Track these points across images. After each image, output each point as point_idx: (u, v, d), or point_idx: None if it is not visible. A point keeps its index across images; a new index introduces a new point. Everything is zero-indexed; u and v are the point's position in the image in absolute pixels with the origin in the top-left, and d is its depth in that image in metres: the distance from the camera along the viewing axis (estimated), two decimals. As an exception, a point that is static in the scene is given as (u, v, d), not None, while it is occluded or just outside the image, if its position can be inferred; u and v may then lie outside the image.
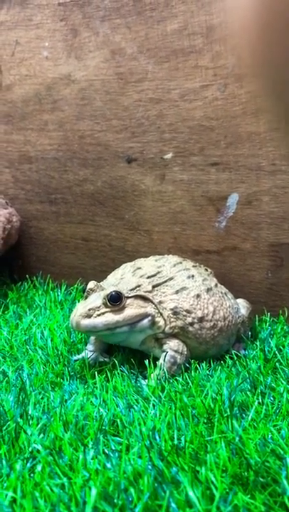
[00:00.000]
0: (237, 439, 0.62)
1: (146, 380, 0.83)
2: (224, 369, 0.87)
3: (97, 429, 0.67)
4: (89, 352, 0.92)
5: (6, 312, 1.16)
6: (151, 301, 0.86)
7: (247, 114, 1.05)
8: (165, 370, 0.84)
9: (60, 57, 1.22)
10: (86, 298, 0.86)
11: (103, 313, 0.83)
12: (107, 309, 0.83)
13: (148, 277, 0.89)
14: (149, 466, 0.58)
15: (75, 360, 0.92)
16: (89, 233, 1.28)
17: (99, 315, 0.83)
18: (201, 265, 1.02)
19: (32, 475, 0.58)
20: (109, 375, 0.85)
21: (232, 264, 1.13)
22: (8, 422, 0.67)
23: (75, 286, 1.28)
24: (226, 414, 0.69)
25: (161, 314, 0.86)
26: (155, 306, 0.86)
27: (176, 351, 0.86)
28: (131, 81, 1.15)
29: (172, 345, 0.86)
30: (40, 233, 1.35)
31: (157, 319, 0.86)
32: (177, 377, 0.83)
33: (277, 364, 0.87)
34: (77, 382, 0.84)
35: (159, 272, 0.91)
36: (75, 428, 0.67)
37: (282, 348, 0.93)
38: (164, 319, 0.86)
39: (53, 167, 1.29)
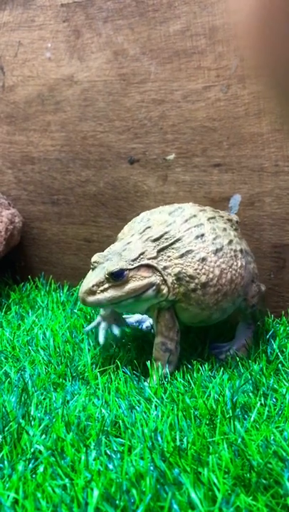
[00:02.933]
0: (239, 440, 0.62)
1: (148, 380, 0.83)
2: (226, 370, 0.87)
3: (99, 430, 0.67)
4: (102, 321, 0.96)
5: (9, 313, 1.16)
6: (156, 269, 0.85)
7: (250, 115, 1.05)
8: (158, 357, 0.85)
9: (63, 58, 1.22)
10: (93, 270, 0.85)
11: (106, 289, 0.82)
12: (110, 284, 0.82)
13: (154, 240, 0.86)
14: (151, 468, 0.57)
15: (86, 331, 0.97)
16: (91, 234, 1.28)
17: (102, 291, 0.82)
18: (224, 215, 0.94)
19: (34, 476, 0.58)
20: (112, 376, 0.85)
21: (234, 265, 1.13)
22: (11, 423, 0.67)
23: (77, 287, 1.28)
24: (228, 416, 0.68)
25: (165, 281, 0.84)
26: (160, 273, 0.84)
27: (166, 337, 0.85)
28: (133, 82, 1.15)
29: (164, 329, 0.85)
30: (43, 234, 1.35)
31: (162, 287, 0.84)
32: (179, 378, 0.83)
33: (279, 365, 0.86)
34: (79, 383, 0.84)
35: (166, 233, 0.86)
36: (77, 429, 0.67)
37: (284, 349, 0.93)
38: (168, 286, 0.85)
39: (55, 168, 1.29)
